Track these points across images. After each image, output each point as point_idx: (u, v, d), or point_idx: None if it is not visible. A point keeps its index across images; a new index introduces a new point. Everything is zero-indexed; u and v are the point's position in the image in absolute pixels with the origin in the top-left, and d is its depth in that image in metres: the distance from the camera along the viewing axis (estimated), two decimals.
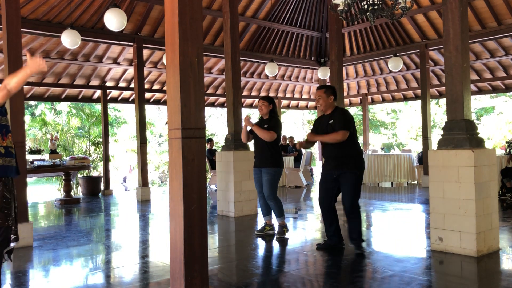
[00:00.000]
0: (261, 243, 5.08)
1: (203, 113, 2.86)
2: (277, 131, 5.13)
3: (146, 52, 9.76)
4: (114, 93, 10.76)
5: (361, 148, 4.44)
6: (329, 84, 12.09)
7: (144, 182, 9.34)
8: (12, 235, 3.01)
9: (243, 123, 5.32)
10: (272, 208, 5.26)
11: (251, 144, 7.21)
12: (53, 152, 9.21)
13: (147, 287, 3.62)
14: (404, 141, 23.89)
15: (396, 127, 24.65)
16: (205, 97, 11.66)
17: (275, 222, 5.49)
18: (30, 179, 10.08)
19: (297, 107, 14.73)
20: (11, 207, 2.90)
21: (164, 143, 23.11)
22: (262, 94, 13.18)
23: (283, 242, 5.03)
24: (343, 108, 4.61)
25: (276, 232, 5.30)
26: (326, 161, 4.50)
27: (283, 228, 5.24)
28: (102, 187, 10.34)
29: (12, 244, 3.00)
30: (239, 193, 6.78)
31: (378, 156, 11.58)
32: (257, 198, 6.86)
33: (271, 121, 5.18)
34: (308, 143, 4.75)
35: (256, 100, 13.33)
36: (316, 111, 15.15)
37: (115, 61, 9.81)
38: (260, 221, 6.10)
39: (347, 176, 4.30)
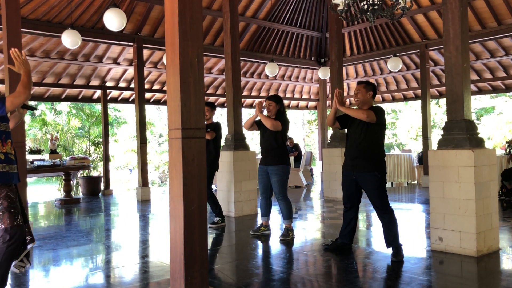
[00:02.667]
0: (261, 243, 5.08)
1: (203, 113, 2.85)
2: (283, 125, 5.10)
3: (146, 52, 9.76)
4: (114, 93, 10.76)
5: (385, 153, 4.30)
6: (328, 83, 12.12)
7: (144, 182, 9.34)
8: (27, 237, 3.03)
9: (255, 109, 5.19)
10: (281, 209, 5.18)
11: (251, 144, 7.21)
12: (53, 152, 9.21)
13: (147, 287, 3.62)
14: (404, 141, 23.88)
15: (396, 127, 24.65)
16: (205, 97, 11.65)
17: (275, 223, 5.49)
18: (30, 179, 10.08)
19: (297, 107, 14.71)
20: (17, 207, 2.92)
21: (164, 143, 23.10)
22: (263, 94, 13.16)
23: (284, 242, 5.02)
24: (379, 106, 4.39)
25: (281, 234, 5.21)
26: (345, 161, 4.38)
27: (289, 231, 5.15)
28: (102, 187, 10.34)
29: (29, 246, 3.03)
30: (239, 193, 6.78)
31: None
32: (257, 198, 6.87)
33: (277, 119, 5.14)
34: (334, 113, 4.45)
35: (256, 100, 13.34)
36: (316, 110, 15.15)
37: (115, 61, 9.81)
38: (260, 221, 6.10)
39: (367, 179, 4.15)
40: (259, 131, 5.39)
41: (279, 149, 5.11)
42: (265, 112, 5.35)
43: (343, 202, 4.50)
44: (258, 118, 5.19)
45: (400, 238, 4.21)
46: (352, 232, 4.51)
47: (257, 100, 4.69)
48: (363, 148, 4.18)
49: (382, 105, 23.22)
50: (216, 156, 5.98)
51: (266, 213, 5.40)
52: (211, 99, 12.48)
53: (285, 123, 5.16)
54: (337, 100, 4.30)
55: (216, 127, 5.97)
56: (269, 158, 5.13)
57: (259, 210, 6.11)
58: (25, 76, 2.96)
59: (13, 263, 3.00)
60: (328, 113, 13.61)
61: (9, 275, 3.94)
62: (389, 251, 4.23)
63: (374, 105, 4.33)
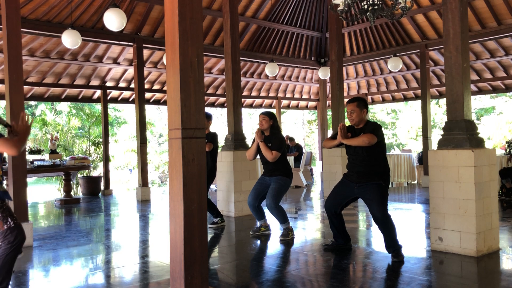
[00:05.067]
0: (261, 243, 5.08)
1: (203, 113, 2.85)
2: (281, 149, 5.07)
3: (146, 52, 9.76)
4: (114, 93, 10.76)
5: (388, 166, 4.33)
6: (328, 83, 12.13)
7: (144, 182, 9.34)
8: None
9: (255, 137, 5.18)
10: (275, 216, 5.14)
11: (251, 144, 7.21)
12: (53, 152, 9.20)
13: (147, 287, 3.62)
14: (404, 141, 23.88)
15: (396, 127, 24.65)
16: (205, 97, 11.66)
17: (274, 224, 5.48)
18: (30, 179, 10.07)
19: (297, 107, 14.72)
20: (5, 210, 2.93)
21: (164, 143, 23.10)
22: (263, 94, 13.19)
23: (283, 242, 5.02)
24: (374, 122, 4.45)
25: (281, 234, 5.20)
26: (349, 173, 4.37)
27: (289, 231, 5.15)
28: (102, 187, 10.34)
29: (18, 256, 3.06)
30: (239, 193, 6.77)
31: None
32: None
33: (274, 139, 5.11)
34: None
35: (256, 100, 13.37)
36: (316, 110, 15.15)
37: (115, 61, 9.81)
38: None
39: (370, 187, 4.14)
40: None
41: (280, 164, 5.11)
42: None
43: (326, 207, 4.44)
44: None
45: (399, 239, 4.21)
46: (343, 232, 4.52)
47: (255, 129, 4.80)
48: (367, 164, 4.19)
49: (382, 105, 23.25)
50: (213, 168, 5.94)
51: (261, 217, 5.40)
52: (211, 99, 12.51)
53: (282, 144, 5.11)
54: (341, 134, 4.31)
55: (213, 138, 5.90)
56: (273, 172, 5.13)
57: None
58: (24, 137, 2.96)
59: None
60: (327, 115, 13.69)
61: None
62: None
63: (370, 120, 4.35)
